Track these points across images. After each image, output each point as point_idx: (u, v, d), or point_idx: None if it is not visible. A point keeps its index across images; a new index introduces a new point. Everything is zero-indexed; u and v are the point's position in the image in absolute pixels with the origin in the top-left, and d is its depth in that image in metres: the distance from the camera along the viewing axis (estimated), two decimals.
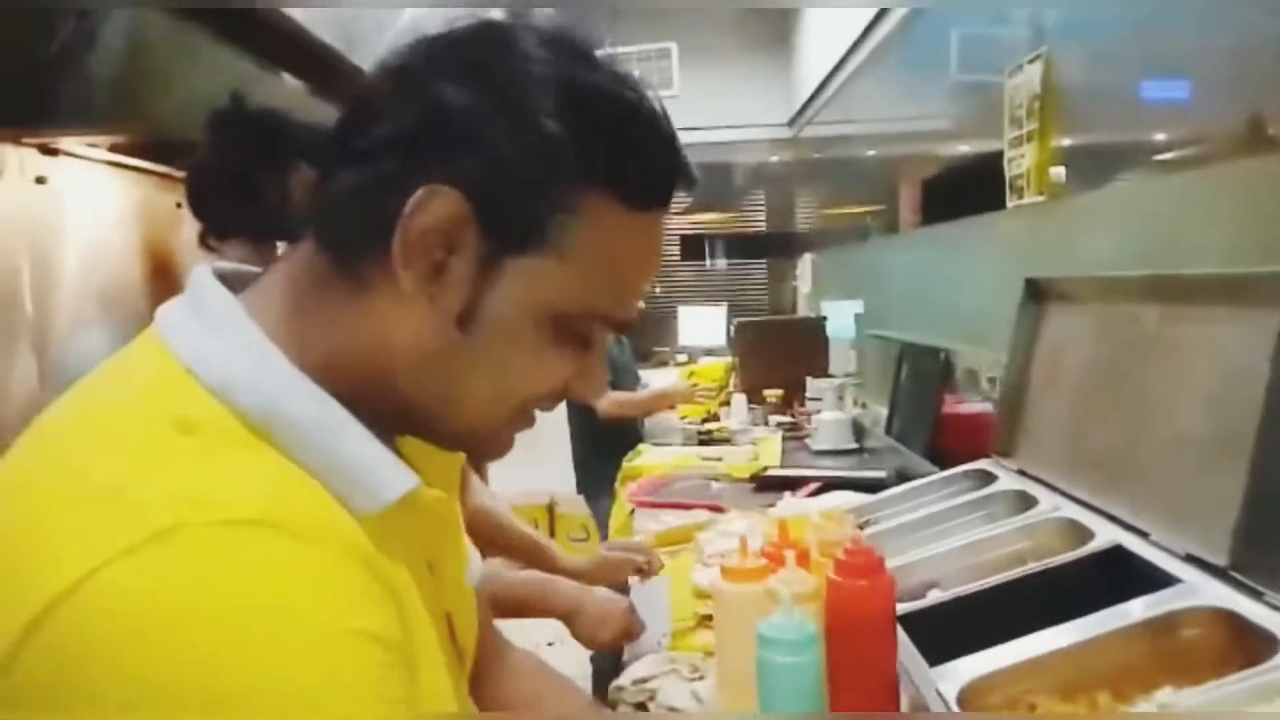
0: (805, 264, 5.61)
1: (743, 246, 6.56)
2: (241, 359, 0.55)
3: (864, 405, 3.71)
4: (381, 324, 0.57)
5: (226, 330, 0.56)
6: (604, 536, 2.70)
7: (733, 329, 4.54)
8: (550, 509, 2.76)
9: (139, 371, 0.57)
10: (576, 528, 2.67)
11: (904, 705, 1.15)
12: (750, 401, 3.90)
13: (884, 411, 3.26)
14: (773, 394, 3.95)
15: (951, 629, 1.26)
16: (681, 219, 6.38)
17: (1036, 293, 1.95)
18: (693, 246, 6.49)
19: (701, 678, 1.49)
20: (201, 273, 0.60)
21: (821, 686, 1.05)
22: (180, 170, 3.21)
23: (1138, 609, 1.16)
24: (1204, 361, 1.37)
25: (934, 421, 2.74)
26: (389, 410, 0.59)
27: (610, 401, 3.49)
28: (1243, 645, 1.02)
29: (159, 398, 0.54)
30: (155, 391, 0.54)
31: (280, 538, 0.49)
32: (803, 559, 1.25)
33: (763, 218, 6.75)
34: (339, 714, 0.47)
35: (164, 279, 3.15)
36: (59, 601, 0.46)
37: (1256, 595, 1.08)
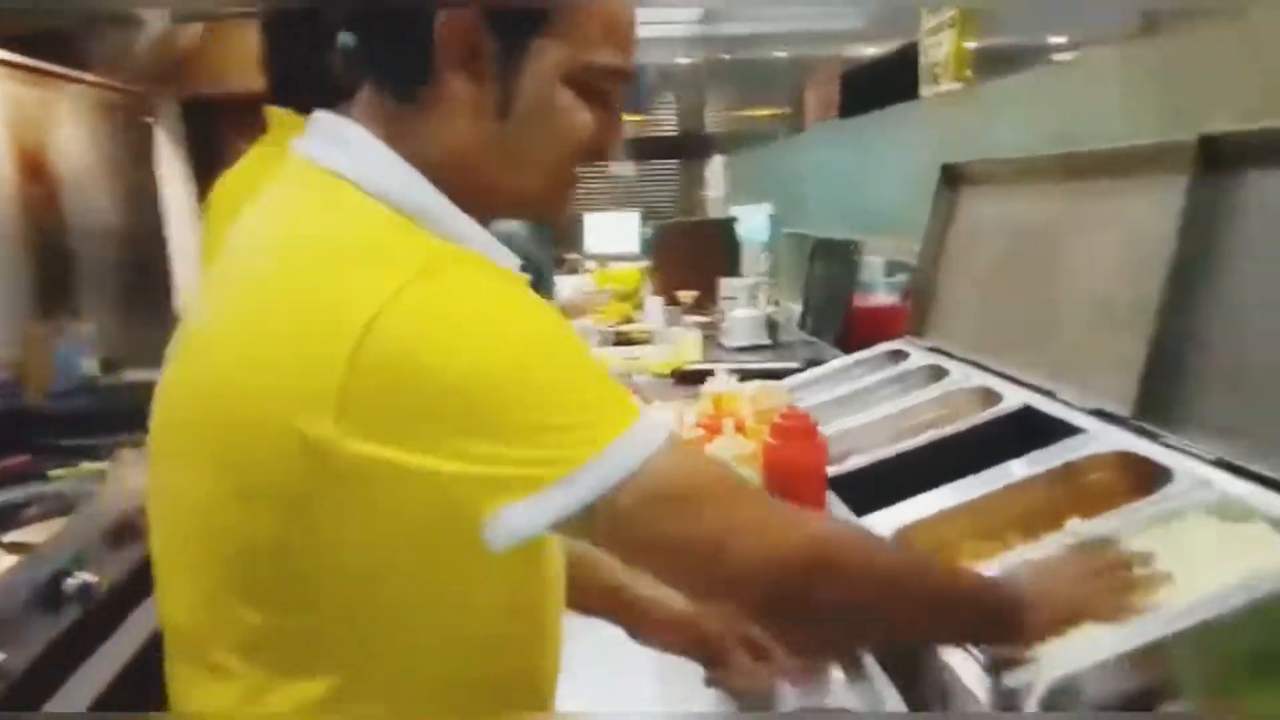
0: (716, 166, 5.61)
1: (653, 149, 6.49)
2: (386, 171, 0.69)
3: (777, 303, 3.79)
4: (447, 132, 0.70)
5: (368, 152, 0.70)
6: None
7: (652, 232, 4.54)
8: None
9: (312, 189, 0.70)
10: None
11: None
12: (665, 304, 3.94)
13: (798, 309, 3.34)
14: (687, 295, 3.99)
15: (875, 490, 1.32)
16: None
17: (952, 178, 2.01)
18: None
19: None
20: (323, 116, 0.74)
21: None
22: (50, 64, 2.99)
23: (1047, 457, 1.24)
24: (1111, 232, 1.44)
25: (846, 314, 2.81)
26: (475, 198, 0.72)
27: None
28: (1141, 481, 1.11)
29: (343, 197, 0.68)
30: (337, 195, 0.68)
31: (497, 270, 0.69)
32: (739, 428, 1.30)
33: (673, 120, 6.67)
34: (605, 386, 0.67)
35: (35, 175, 2.95)
36: (371, 324, 0.59)
37: (1154, 437, 1.18)
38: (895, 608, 0.76)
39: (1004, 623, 0.82)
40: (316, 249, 0.66)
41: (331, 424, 0.60)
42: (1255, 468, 1.01)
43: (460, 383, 0.60)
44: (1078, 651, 0.84)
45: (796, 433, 1.19)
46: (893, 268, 2.65)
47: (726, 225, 4.46)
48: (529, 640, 0.80)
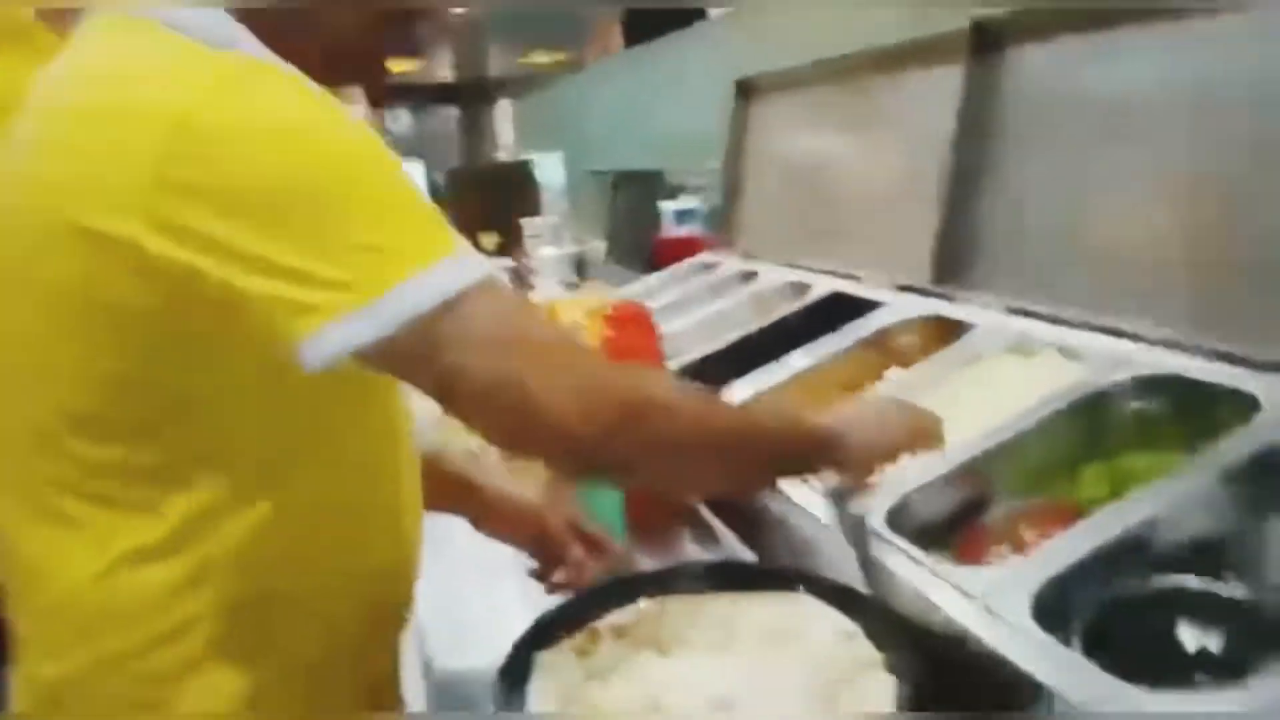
0: (503, 113, 5.52)
1: (432, 96, 6.29)
2: (198, 13, 0.65)
3: (582, 241, 3.80)
4: None
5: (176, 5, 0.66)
6: None
7: (444, 177, 4.41)
8: None
9: (120, 28, 0.66)
10: None
11: None
12: None
13: (603, 245, 3.37)
14: (488, 239, 3.92)
15: (705, 380, 1.37)
16: None
17: (745, 91, 2.08)
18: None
19: None
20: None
21: None
22: None
23: (858, 328, 1.33)
24: (898, 123, 1.55)
25: (653, 243, 2.86)
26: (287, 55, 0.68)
27: None
28: (946, 336, 1.21)
29: (153, 27, 0.64)
30: (147, 26, 0.64)
31: (316, 89, 0.63)
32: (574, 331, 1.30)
33: (451, 67, 6.47)
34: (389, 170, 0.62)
35: None
36: (183, 120, 0.57)
37: (951, 300, 1.29)
38: (718, 447, 0.73)
39: (827, 448, 0.81)
40: (125, 63, 0.63)
41: (141, 227, 0.57)
42: (1041, 309, 1.13)
43: (269, 188, 0.57)
44: (909, 476, 0.92)
45: (632, 320, 1.21)
46: (696, 191, 2.71)
47: (523, 168, 4.41)
48: (376, 470, 0.76)
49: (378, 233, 0.59)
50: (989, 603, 0.71)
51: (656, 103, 3.11)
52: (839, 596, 0.84)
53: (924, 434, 0.90)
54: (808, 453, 0.81)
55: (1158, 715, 0.59)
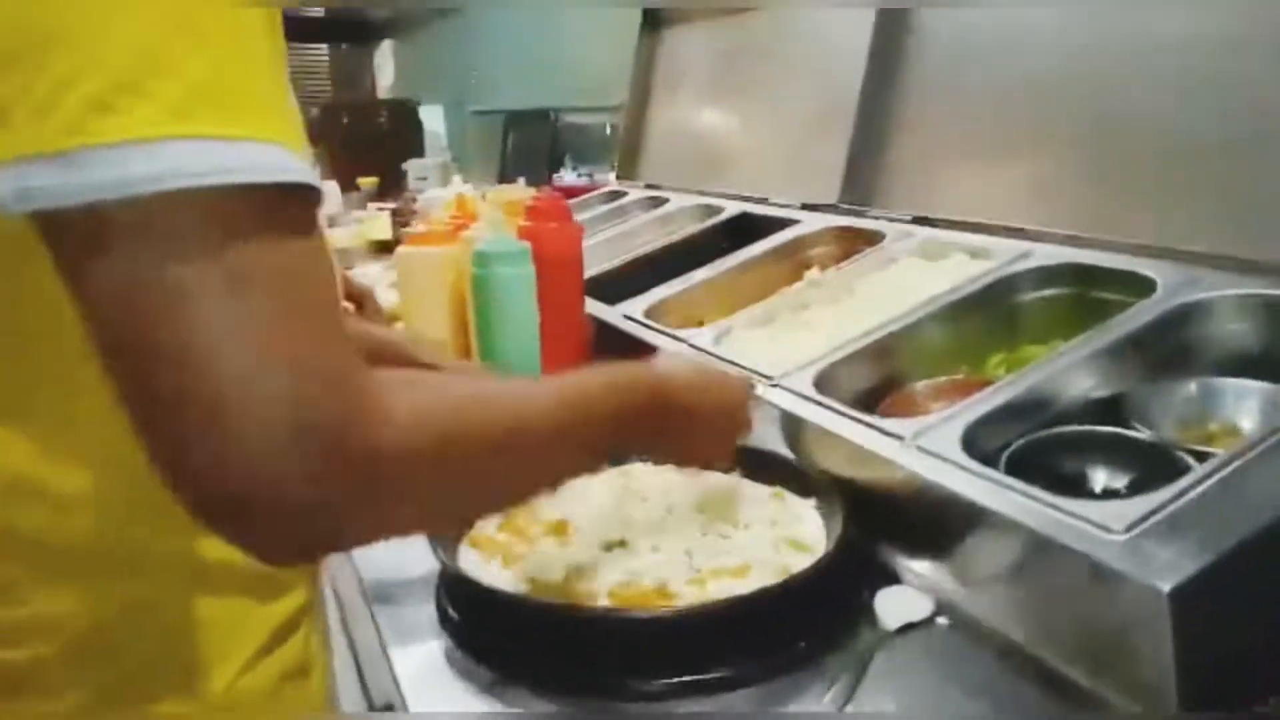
0: (385, 52, 5.31)
1: (299, 33, 5.94)
2: None
3: (469, 184, 3.72)
4: None
5: None
6: None
7: (315, 113, 4.20)
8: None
9: None
10: None
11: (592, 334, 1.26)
12: (344, 190, 3.70)
13: (494, 186, 3.31)
14: (368, 181, 3.79)
15: (614, 292, 1.37)
16: None
17: (653, 22, 2.09)
18: None
19: None
20: None
21: (535, 305, 1.10)
22: None
23: (769, 242, 1.37)
24: (809, 49, 1.59)
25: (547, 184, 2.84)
26: None
27: None
28: (856, 246, 1.26)
29: None
30: None
31: None
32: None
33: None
34: None
35: None
36: None
37: (859, 213, 1.34)
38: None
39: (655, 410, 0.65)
40: None
41: None
42: (947, 216, 1.20)
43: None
44: (829, 349, 0.96)
45: (554, 211, 1.20)
46: (596, 130, 2.70)
47: (405, 106, 4.26)
48: None
49: (127, 73, 0.40)
50: (919, 443, 0.75)
51: (550, 39, 3.07)
52: (757, 459, 0.87)
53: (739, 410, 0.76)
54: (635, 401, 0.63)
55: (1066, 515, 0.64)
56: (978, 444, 0.75)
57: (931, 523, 0.73)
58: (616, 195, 2.02)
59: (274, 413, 0.40)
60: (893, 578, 0.76)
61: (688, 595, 0.70)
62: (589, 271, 1.49)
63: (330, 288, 0.46)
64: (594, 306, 1.32)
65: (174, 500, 0.42)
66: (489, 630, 0.71)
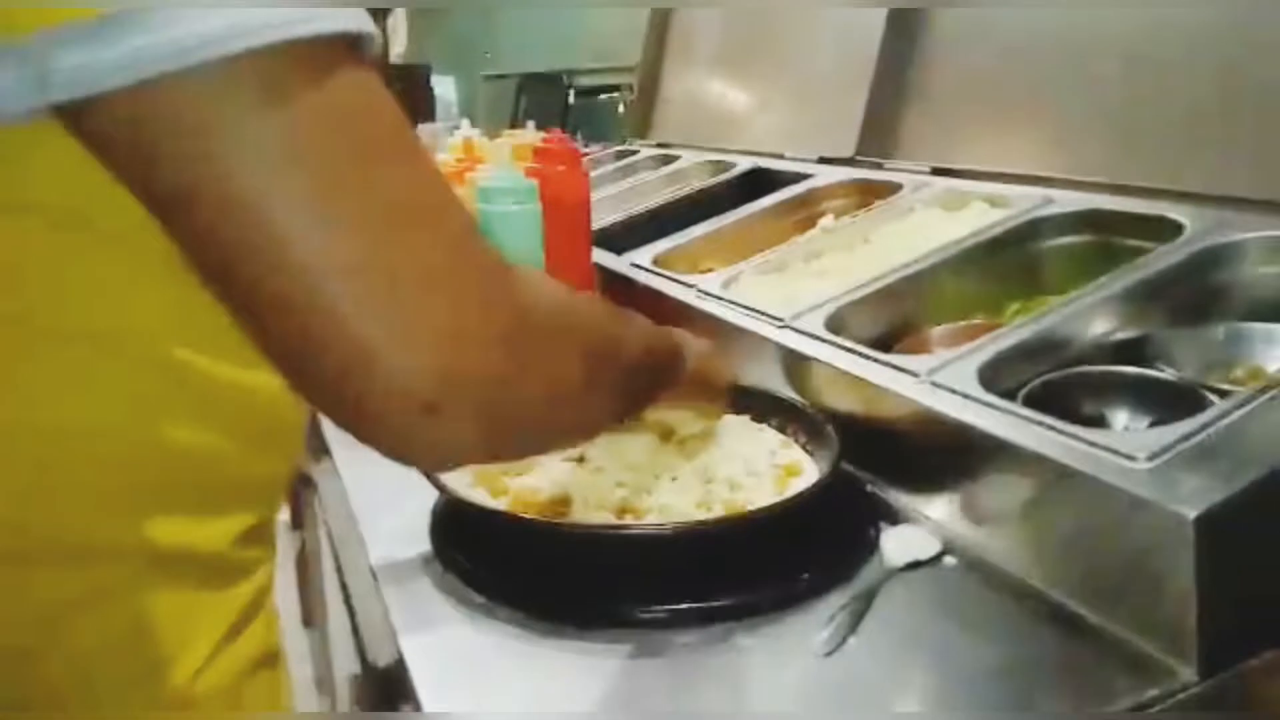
0: (399, 19, 5.27)
1: None
2: None
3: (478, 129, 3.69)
4: None
5: None
6: None
7: None
8: None
9: None
10: None
11: (599, 282, 1.23)
12: None
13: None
14: None
15: (628, 242, 1.35)
16: None
17: None
18: None
19: None
20: None
21: (541, 243, 1.07)
22: None
23: (785, 193, 1.34)
24: (828, 14, 1.55)
25: None
26: None
27: None
28: (872, 198, 1.23)
29: None
30: None
31: None
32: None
33: None
34: None
35: None
36: None
37: (877, 166, 1.31)
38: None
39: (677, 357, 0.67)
40: None
41: None
42: (967, 166, 1.16)
43: None
44: (842, 292, 0.93)
45: (562, 154, 1.17)
46: (609, 105, 2.66)
47: (418, 71, 4.23)
48: None
49: None
50: (935, 378, 0.73)
51: (560, 1, 3.03)
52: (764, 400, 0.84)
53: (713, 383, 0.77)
54: (665, 362, 0.65)
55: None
56: (995, 382, 0.72)
57: (945, 461, 0.71)
58: (626, 154, 1.98)
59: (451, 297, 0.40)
60: (901, 518, 0.74)
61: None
62: (596, 224, 1.47)
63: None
64: (601, 256, 1.30)
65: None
66: (480, 553, 0.69)
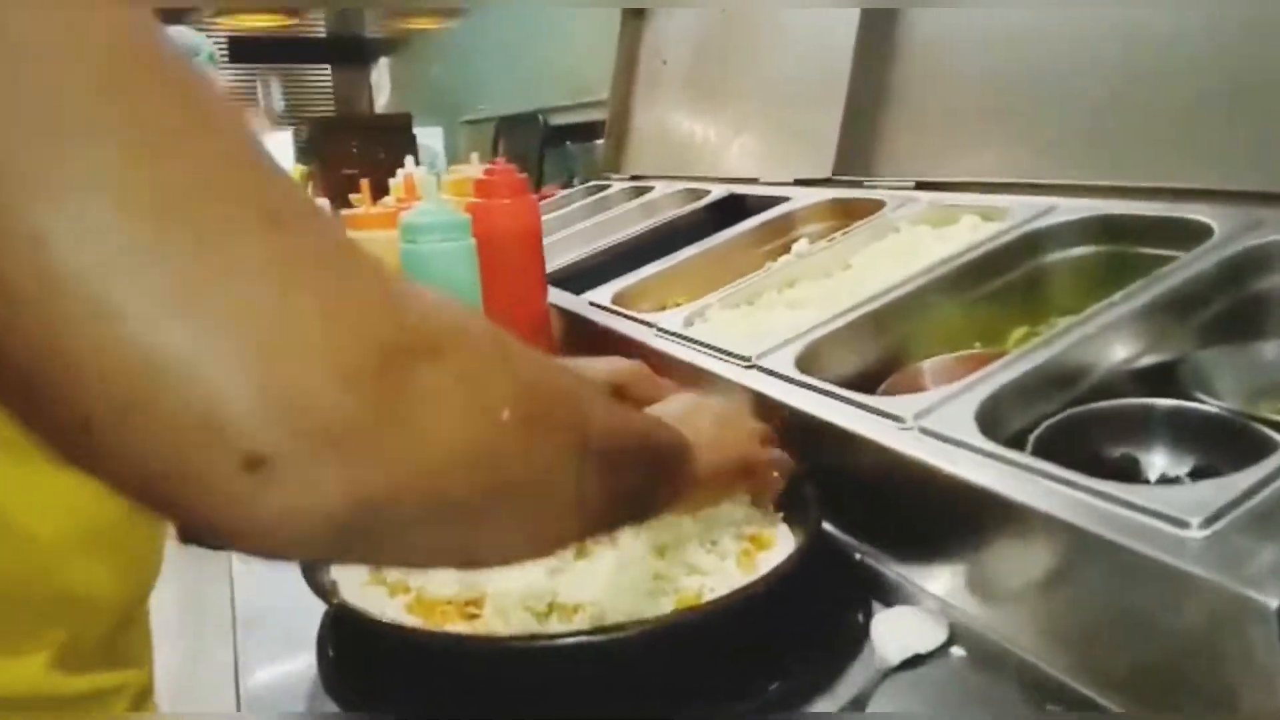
0: (382, 70, 5.24)
1: (303, 52, 5.88)
2: None
3: (422, 165, 3.61)
4: None
5: None
6: None
7: (306, 132, 4.11)
8: None
9: None
10: None
11: (556, 327, 1.11)
12: (335, 209, 3.59)
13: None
14: (358, 199, 3.68)
15: (589, 280, 1.23)
16: (229, 23, 5.52)
17: (636, 12, 1.95)
18: (245, 50, 5.60)
19: None
20: None
21: (475, 283, 0.95)
22: None
23: (758, 219, 1.22)
24: (797, 19, 1.45)
25: (538, 181, 2.71)
26: None
27: None
28: (853, 218, 1.11)
29: None
30: None
31: None
32: None
33: (321, 24, 6.10)
34: None
35: None
36: None
37: (856, 184, 1.19)
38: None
39: (684, 460, 0.50)
40: None
41: None
42: (955, 179, 1.04)
43: None
44: (812, 323, 0.80)
45: (505, 187, 1.05)
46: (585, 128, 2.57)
47: (399, 120, 4.16)
48: None
49: None
50: (924, 423, 0.60)
51: (538, 42, 2.96)
52: None
53: (761, 461, 0.61)
54: (669, 466, 0.48)
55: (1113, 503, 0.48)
56: (996, 425, 0.59)
57: (945, 524, 0.58)
58: (599, 188, 1.87)
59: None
60: (896, 597, 0.60)
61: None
62: (560, 262, 1.35)
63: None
64: (559, 297, 1.18)
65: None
66: (376, 668, 0.55)
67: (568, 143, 2.81)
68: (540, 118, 2.78)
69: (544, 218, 1.73)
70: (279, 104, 5.97)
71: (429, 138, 4.01)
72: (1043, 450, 0.57)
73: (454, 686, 0.53)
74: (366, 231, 1.09)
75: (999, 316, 0.84)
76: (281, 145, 5.30)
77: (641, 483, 0.44)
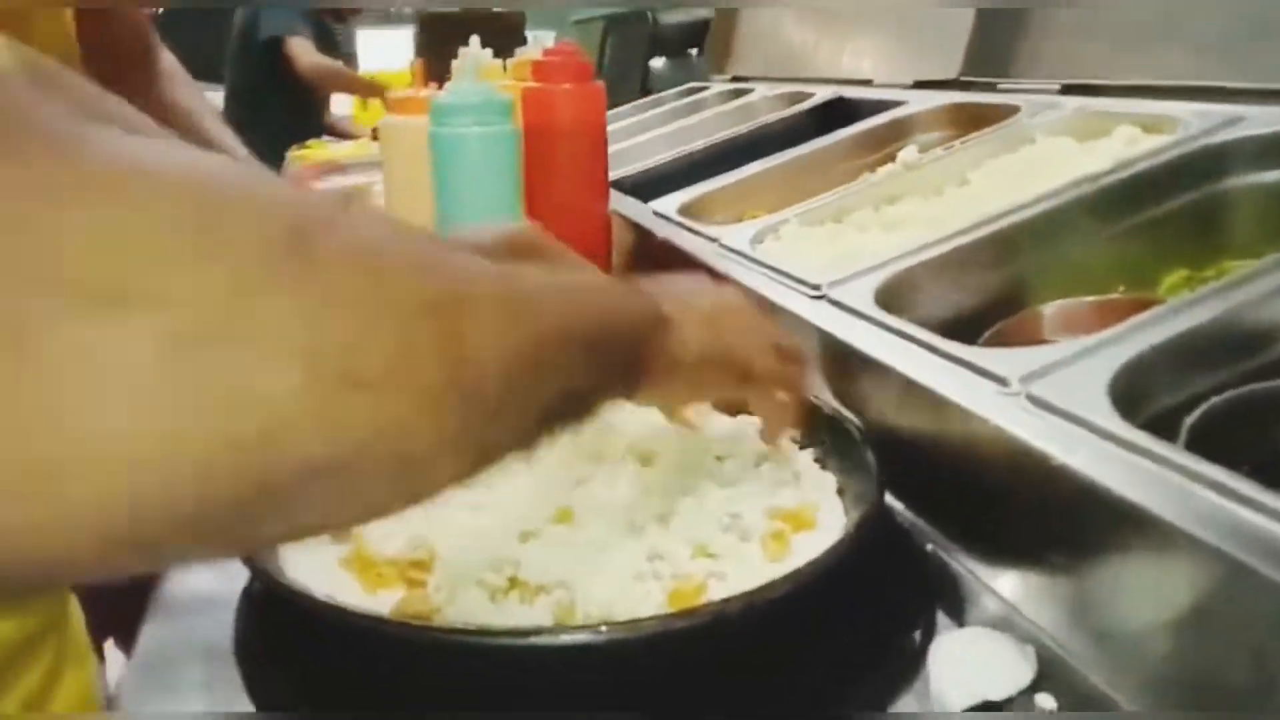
0: None
1: None
2: None
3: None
4: None
5: None
6: None
7: (417, 26, 4.03)
8: None
9: None
10: None
11: (617, 234, 0.97)
12: None
13: None
14: (408, 79, 3.60)
15: (670, 186, 1.08)
16: None
17: None
18: None
19: None
20: None
21: (516, 179, 0.82)
22: None
23: (864, 124, 1.04)
24: None
25: (643, 82, 2.56)
26: None
27: (316, 61, 2.95)
28: (980, 127, 0.92)
29: None
30: None
31: None
32: None
33: None
34: None
35: None
36: None
37: (989, 88, 0.99)
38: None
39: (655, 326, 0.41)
40: None
41: None
42: (1111, 81, 0.84)
43: None
44: (905, 249, 0.64)
45: (564, 70, 0.91)
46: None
47: (514, 20, 4.02)
48: None
49: None
50: (1033, 390, 0.44)
51: None
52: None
53: (767, 367, 0.49)
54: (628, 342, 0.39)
55: None
56: (1138, 400, 0.43)
57: (1044, 528, 0.42)
58: (695, 90, 1.69)
59: None
60: (968, 611, 0.46)
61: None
62: (633, 168, 1.21)
63: None
64: (626, 205, 1.03)
65: None
66: (289, 633, 0.45)
67: (692, 52, 2.63)
68: (649, 15, 2.59)
69: (625, 121, 1.58)
70: None
71: (541, 39, 3.88)
72: (1201, 442, 0.40)
73: (370, 671, 0.41)
74: (402, 116, 0.96)
75: (1153, 255, 0.66)
76: (401, 40, 5.24)
77: (589, 371, 0.33)
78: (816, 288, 0.63)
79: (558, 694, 0.39)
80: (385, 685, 0.39)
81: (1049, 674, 0.42)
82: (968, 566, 0.48)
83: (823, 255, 0.72)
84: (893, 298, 0.59)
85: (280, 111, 3.04)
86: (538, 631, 0.39)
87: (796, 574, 0.41)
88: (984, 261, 0.64)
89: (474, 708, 0.38)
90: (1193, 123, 0.70)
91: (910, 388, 0.50)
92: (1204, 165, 0.66)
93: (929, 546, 0.51)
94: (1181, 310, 0.47)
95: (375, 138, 3.04)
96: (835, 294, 0.61)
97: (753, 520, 0.49)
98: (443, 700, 0.38)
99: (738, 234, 0.78)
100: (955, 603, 0.47)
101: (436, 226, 0.83)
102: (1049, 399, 0.43)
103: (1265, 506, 0.33)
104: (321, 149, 3.06)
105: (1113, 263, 0.65)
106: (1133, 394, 0.42)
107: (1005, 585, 0.45)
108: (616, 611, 0.42)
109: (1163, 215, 0.65)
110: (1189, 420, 0.42)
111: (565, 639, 0.38)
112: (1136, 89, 0.80)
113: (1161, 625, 0.37)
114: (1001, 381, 0.45)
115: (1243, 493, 0.34)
